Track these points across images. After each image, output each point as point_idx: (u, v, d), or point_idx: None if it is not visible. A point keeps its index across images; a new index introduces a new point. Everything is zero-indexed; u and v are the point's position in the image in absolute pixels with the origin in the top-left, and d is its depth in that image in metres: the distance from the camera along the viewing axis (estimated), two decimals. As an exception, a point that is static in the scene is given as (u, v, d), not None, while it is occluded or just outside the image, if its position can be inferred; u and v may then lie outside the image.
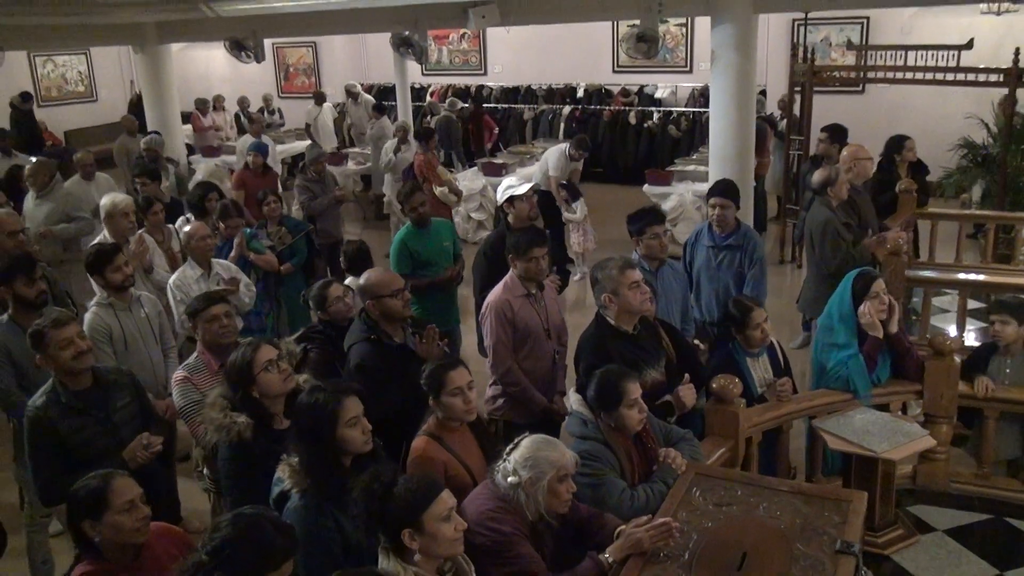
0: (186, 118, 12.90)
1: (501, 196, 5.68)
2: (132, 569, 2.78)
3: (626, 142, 14.04)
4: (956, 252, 7.11)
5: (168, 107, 11.44)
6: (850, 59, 11.53)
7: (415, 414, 3.58)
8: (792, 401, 4.35)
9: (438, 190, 8.91)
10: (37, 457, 3.60)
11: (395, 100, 13.95)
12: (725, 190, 5.38)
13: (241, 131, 13.85)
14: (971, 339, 6.45)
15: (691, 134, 13.49)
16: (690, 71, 14.12)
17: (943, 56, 7.83)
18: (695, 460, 3.57)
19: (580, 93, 14.82)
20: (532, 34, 13.94)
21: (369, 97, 14.61)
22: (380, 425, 3.20)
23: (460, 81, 15.93)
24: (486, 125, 13.37)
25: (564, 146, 9.15)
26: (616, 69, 14.69)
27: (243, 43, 10.14)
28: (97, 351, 4.39)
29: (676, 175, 10.43)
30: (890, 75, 8.34)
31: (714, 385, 3.98)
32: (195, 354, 4.17)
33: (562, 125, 14.42)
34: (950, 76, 7.77)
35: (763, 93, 12.19)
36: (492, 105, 15.31)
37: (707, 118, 9.84)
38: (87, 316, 4.61)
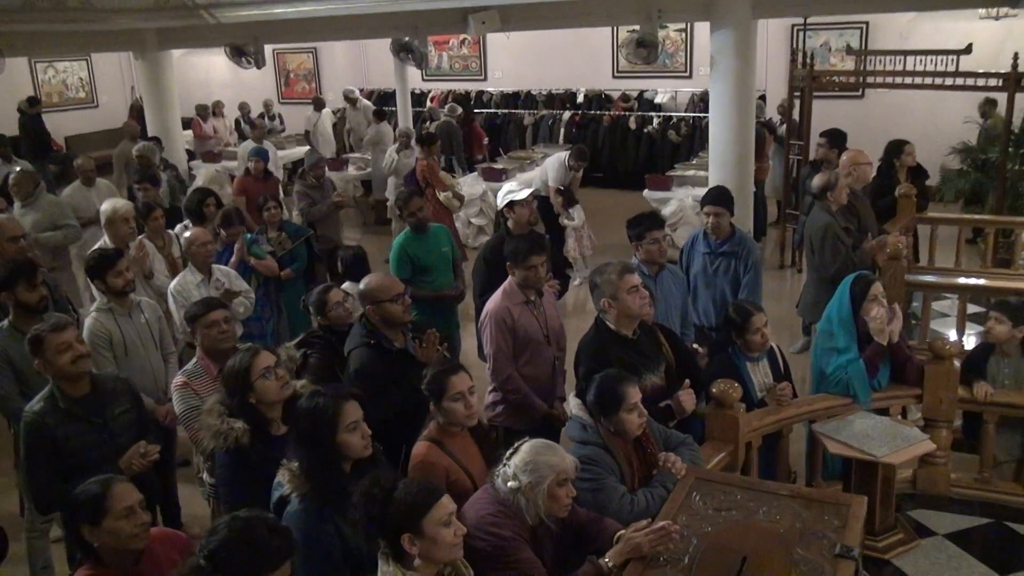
0: (187, 124, 12.92)
1: (501, 201, 5.69)
2: (132, 574, 2.78)
3: (626, 147, 14.06)
4: (956, 256, 7.11)
5: (169, 113, 11.46)
6: (849, 64, 11.57)
7: (415, 419, 3.58)
8: (792, 405, 4.36)
9: (442, 195, 8.92)
10: (33, 463, 3.59)
11: (395, 106, 14.00)
12: (718, 198, 5.38)
13: (242, 137, 13.87)
14: (971, 343, 6.44)
15: (691, 139, 13.50)
16: (690, 76, 14.15)
17: (942, 61, 7.84)
18: (695, 464, 3.58)
19: (580, 98, 14.85)
20: (532, 40, 13.98)
21: (368, 103, 14.64)
22: (380, 429, 3.21)
23: (460, 86, 15.95)
24: (475, 134, 13.33)
25: (563, 156, 9.16)
26: (616, 74, 14.72)
27: (243, 49, 10.17)
28: (97, 356, 4.40)
29: (676, 180, 10.45)
30: (889, 80, 8.35)
31: (714, 390, 3.98)
32: (194, 359, 4.17)
33: (562, 130, 14.45)
34: (949, 81, 7.77)
35: (762, 98, 12.20)
36: (492, 110, 15.35)
37: (707, 123, 9.85)
38: (87, 321, 4.62)
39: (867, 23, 12.55)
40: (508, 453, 3.02)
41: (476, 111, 15.22)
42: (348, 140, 14.90)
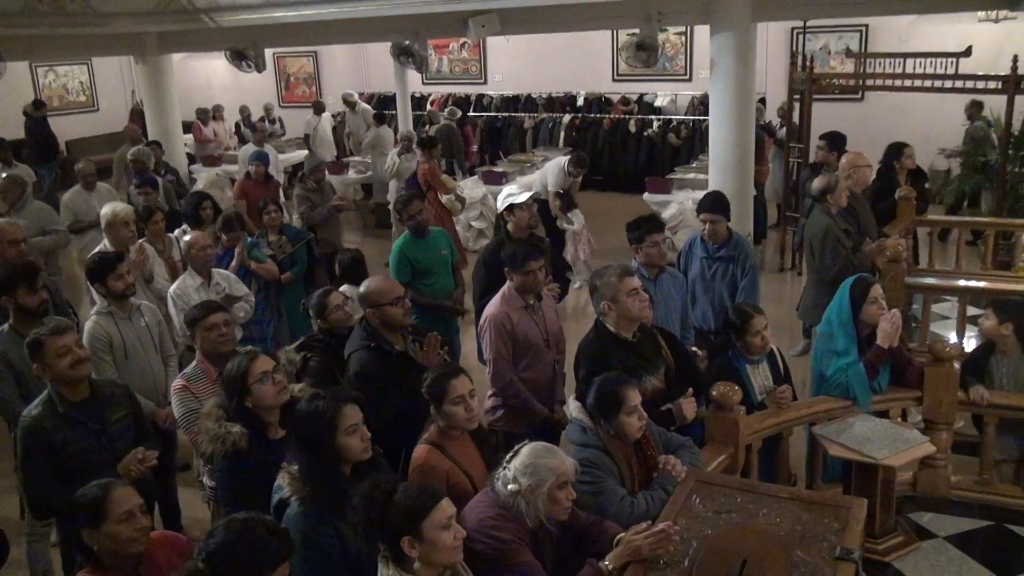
0: (187, 128, 12.93)
1: (501, 204, 5.70)
2: (132, 577, 2.79)
3: (626, 150, 14.07)
4: (956, 259, 7.12)
5: (169, 117, 11.49)
6: (849, 67, 11.58)
7: (415, 422, 3.58)
8: (792, 408, 4.35)
9: (444, 198, 8.93)
10: (29, 468, 3.58)
11: (395, 109, 14.01)
12: (714, 205, 5.36)
13: (242, 140, 13.89)
14: (971, 346, 6.45)
15: (691, 142, 13.51)
16: (690, 79, 14.17)
17: (941, 64, 7.84)
18: (695, 467, 3.58)
19: (580, 101, 14.86)
20: (532, 43, 14.00)
21: (366, 106, 14.66)
22: (380, 432, 3.21)
23: (460, 90, 15.97)
24: (465, 139, 13.28)
25: (563, 161, 9.16)
26: (616, 78, 14.74)
27: (244, 53, 10.18)
28: (97, 359, 4.40)
29: (676, 183, 10.46)
30: (889, 83, 8.35)
31: (714, 392, 3.98)
32: (194, 363, 4.17)
33: (562, 133, 14.46)
34: (948, 83, 7.77)
35: (762, 101, 12.22)
36: (492, 114, 15.35)
37: (707, 126, 9.87)
38: (87, 324, 4.62)
39: (866, 26, 12.56)
40: (508, 456, 3.02)
41: (475, 115, 15.26)
42: (347, 144, 14.92)
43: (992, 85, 7.74)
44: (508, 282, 4.47)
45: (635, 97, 14.49)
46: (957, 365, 4.54)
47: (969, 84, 7.80)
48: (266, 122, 14.46)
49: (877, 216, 6.55)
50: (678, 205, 9.85)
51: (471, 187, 10.82)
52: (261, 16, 9.29)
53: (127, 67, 17.19)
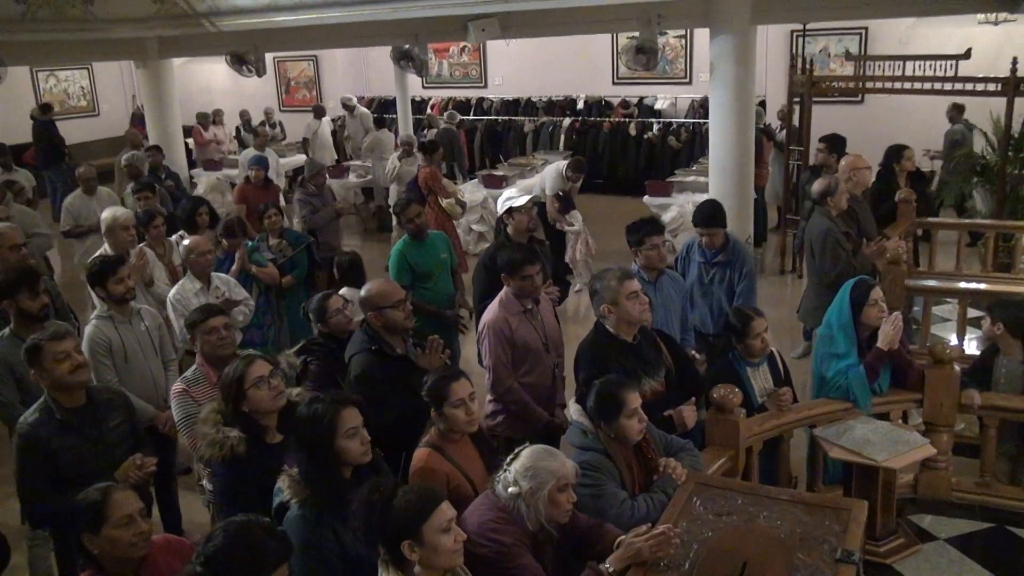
0: (188, 132, 12.95)
1: (501, 208, 5.69)
2: (133, 582, 2.78)
3: (626, 153, 14.08)
4: (956, 261, 7.12)
5: (170, 121, 11.51)
6: (849, 69, 11.57)
7: (415, 424, 3.58)
8: (792, 410, 4.35)
9: (444, 202, 8.93)
10: (26, 476, 3.56)
11: (396, 113, 14.02)
12: (710, 220, 5.29)
13: (241, 145, 13.90)
14: (971, 348, 6.45)
15: (691, 145, 13.52)
16: (689, 82, 14.17)
17: (941, 66, 7.86)
18: (695, 470, 3.58)
19: (580, 105, 14.87)
20: (532, 47, 13.99)
21: (365, 110, 14.67)
22: (381, 435, 3.21)
23: (461, 94, 15.98)
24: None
25: (562, 165, 9.16)
26: (616, 81, 14.74)
27: (244, 57, 10.21)
28: (97, 364, 4.41)
29: (676, 186, 10.46)
30: (888, 85, 8.37)
31: (714, 395, 3.98)
32: (194, 366, 4.17)
33: (562, 137, 14.47)
34: (948, 86, 7.79)
35: (762, 104, 12.22)
36: (493, 117, 15.36)
37: (707, 129, 9.88)
38: (87, 329, 4.62)
39: (866, 28, 12.57)
40: (508, 459, 3.02)
41: (475, 118, 15.27)
42: (347, 148, 14.93)
43: (992, 87, 7.75)
44: (505, 287, 4.46)
45: (635, 100, 14.49)
46: (958, 367, 4.54)
47: (969, 86, 7.80)
48: (266, 126, 14.49)
49: (877, 218, 6.55)
50: (678, 208, 9.86)
51: (471, 191, 10.84)
52: (261, 20, 9.30)
53: (128, 72, 17.22)
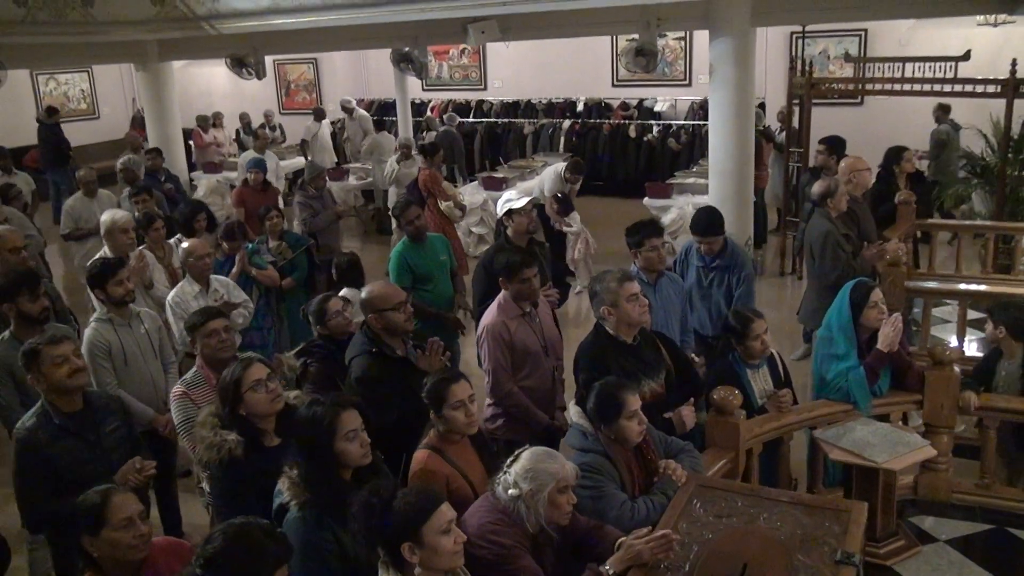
0: (188, 135, 12.96)
1: (500, 210, 5.70)
2: (133, 584, 2.78)
3: (626, 155, 14.08)
4: (956, 262, 7.12)
5: (170, 124, 11.52)
6: (848, 71, 11.57)
7: (416, 426, 3.58)
8: (792, 412, 4.35)
9: (443, 205, 8.94)
10: (24, 481, 3.55)
11: (396, 115, 14.03)
12: (708, 229, 5.25)
13: (241, 147, 13.90)
14: (971, 349, 6.45)
15: (691, 147, 13.51)
16: (689, 84, 14.18)
17: (941, 68, 7.87)
18: (695, 471, 3.57)
19: (580, 107, 14.87)
20: (532, 49, 14.01)
21: (364, 113, 14.68)
22: (381, 437, 3.21)
23: (460, 96, 15.99)
24: None
25: (560, 167, 9.16)
26: (616, 83, 14.75)
27: (244, 60, 10.22)
28: (97, 366, 4.41)
29: (676, 188, 10.46)
30: (888, 87, 8.38)
31: (715, 397, 3.98)
32: (194, 369, 4.17)
33: (562, 139, 14.47)
34: (948, 87, 7.79)
35: (762, 106, 12.22)
36: (492, 120, 15.37)
37: (706, 131, 9.87)
38: (87, 331, 4.62)
39: (865, 30, 12.58)
40: (508, 461, 3.02)
41: (475, 120, 15.28)
42: (346, 150, 14.94)
43: (991, 89, 7.75)
44: (503, 291, 4.45)
45: (635, 102, 14.49)
46: (957, 369, 4.54)
47: (968, 88, 7.81)
48: (266, 129, 14.50)
49: (877, 220, 6.56)
50: (678, 210, 9.86)
51: (471, 193, 10.84)
52: (261, 23, 9.32)
53: (128, 75, 17.23)
